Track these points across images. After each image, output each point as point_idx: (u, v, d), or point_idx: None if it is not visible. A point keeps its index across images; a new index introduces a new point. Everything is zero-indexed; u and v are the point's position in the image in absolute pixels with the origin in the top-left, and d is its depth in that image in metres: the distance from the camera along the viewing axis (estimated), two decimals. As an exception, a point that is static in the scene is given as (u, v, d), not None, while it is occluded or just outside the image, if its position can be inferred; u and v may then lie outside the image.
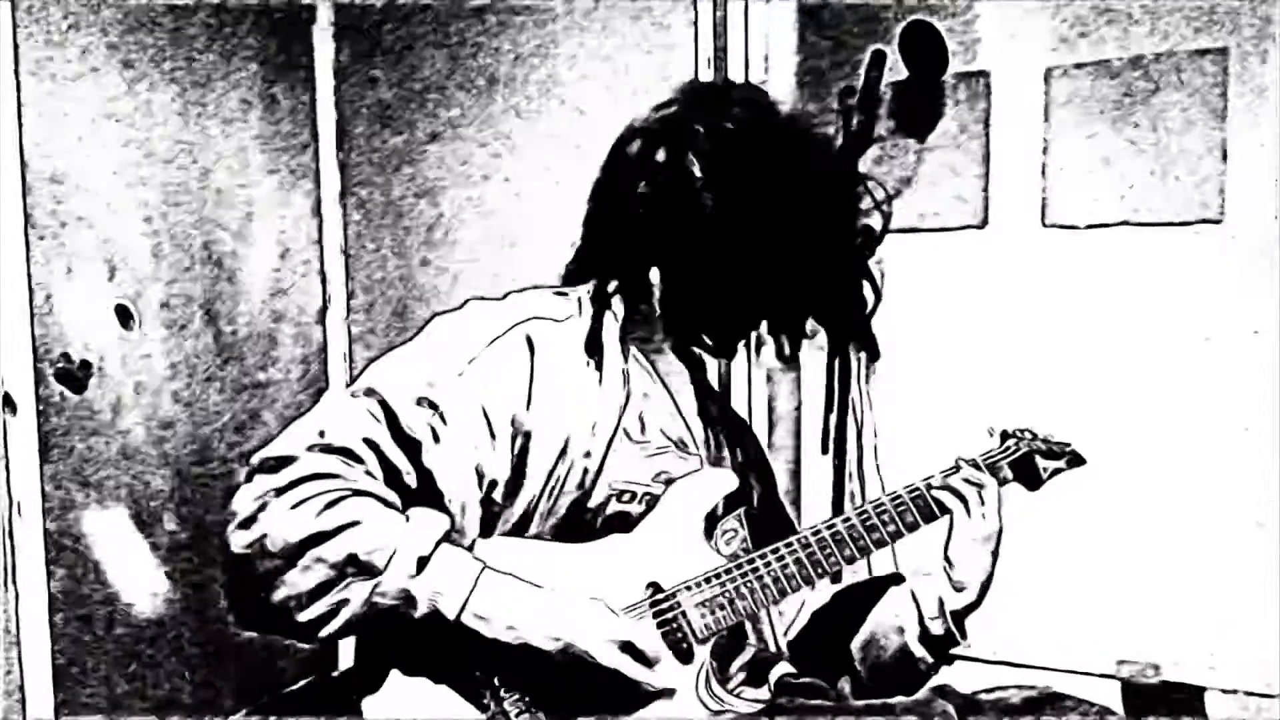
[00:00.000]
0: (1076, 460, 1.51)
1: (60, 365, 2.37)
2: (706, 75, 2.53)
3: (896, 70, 2.43)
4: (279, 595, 1.20)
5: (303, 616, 1.20)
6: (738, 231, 1.38)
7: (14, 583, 2.27)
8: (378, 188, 3.00)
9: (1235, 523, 2.41)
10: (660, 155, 1.40)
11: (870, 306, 2.28)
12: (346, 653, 1.29)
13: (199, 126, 2.67)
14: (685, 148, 1.39)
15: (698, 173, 1.38)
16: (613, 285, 1.44)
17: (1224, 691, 2.44)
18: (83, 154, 2.42)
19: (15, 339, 2.27)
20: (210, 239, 2.70)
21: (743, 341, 1.54)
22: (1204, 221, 2.43)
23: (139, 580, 2.54)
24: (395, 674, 1.28)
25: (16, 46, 2.26)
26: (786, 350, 1.50)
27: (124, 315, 2.50)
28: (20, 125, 2.27)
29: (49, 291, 2.35)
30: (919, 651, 1.48)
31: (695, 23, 2.57)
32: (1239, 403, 2.41)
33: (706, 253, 1.39)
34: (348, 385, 1.36)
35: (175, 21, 2.61)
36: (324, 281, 3.02)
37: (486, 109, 2.84)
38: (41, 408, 2.32)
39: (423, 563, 1.21)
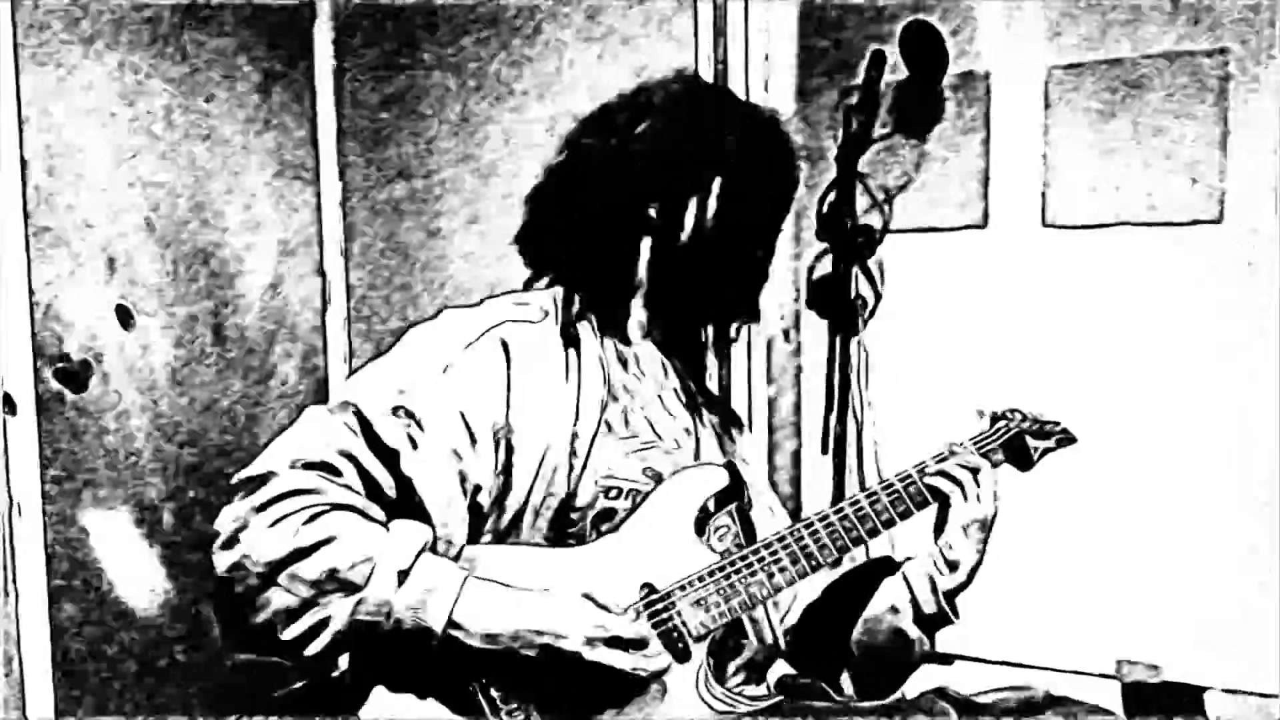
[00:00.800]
0: (1067, 439, 1.51)
1: (60, 365, 2.37)
2: (707, 75, 2.52)
3: (897, 70, 2.43)
4: (263, 614, 1.20)
5: (286, 635, 1.20)
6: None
7: (14, 583, 2.27)
8: (378, 187, 3.00)
9: (1236, 522, 2.41)
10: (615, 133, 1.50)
11: (870, 306, 2.28)
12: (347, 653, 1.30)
13: (199, 126, 2.67)
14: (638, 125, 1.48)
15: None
16: (576, 279, 1.47)
17: (1224, 691, 2.44)
18: (83, 154, 2.42)
19: (15, 339, 2.27)
20: (210, 239, 2.70)
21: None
22: (1204, 221, 2.43)
23: (139, 580, 2.54)
24: (381, 689, 1.27)
25: (16, 46, 2.26)
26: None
27: (124, 315, 2.50)
28: (20, 125, 2.27)
29: (49, 291, 2.35)
30: (914, 633, 1.48)
31: (695, 23, 2.57)
32: (1239, 402, 2.41)
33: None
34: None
35: (175, 21, 2.60)
36: (324, 281, 3.02)
37: (486, 109, 2.84)
38: (41, 408, 2.32)
39: (403, 576, 1.21)
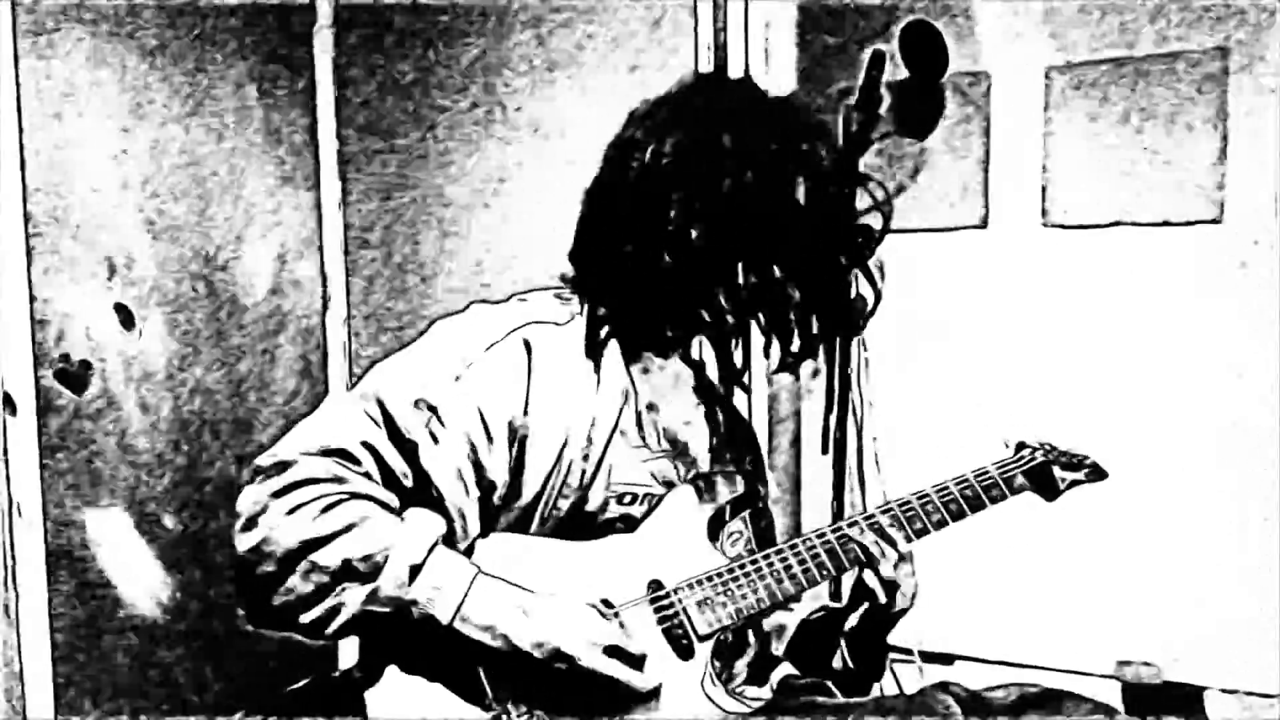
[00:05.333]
0: (1098, 474, 1.51)
1: (60, 365, 2.37)
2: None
3: (897, 70, 2.44)
4: (280, 598, 1.21)
5: (304, 618, 1.22)
6: (721, 227, 1.35)
7: (14, 583, 2.27)
8: (378, 187, 3.00)
9: (1235, 523, 2.42)
10: (643, 148, 1.38)
11: (870, 306, 2.27)
12: (347, 652, 1.30)
13: (199, 126, 2.67)
14: (667, 137, 1.37)
15: (671, 161, 1.36)
16: (605, 299, 1.42)
17: (1224, 691, 2.44)
18: (83, 154, 2.42)
19: (15, 339, 2.27)
20: (210, 239, 2.70)
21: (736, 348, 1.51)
22: (1204, 222, 2.43)
23: (139, 580, 2.54)
24: (394, 669, 1.28)
25: (16, 47, 2.26)
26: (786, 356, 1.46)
27: (124, 315, 2.50)
28: (20, 125, 2.27)
29: (49, 291, 2.35)
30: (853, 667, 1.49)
31: (695, 23, 2.57)
32: (1239, 402, 2.41)
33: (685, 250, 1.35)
34: (350, 387, 1.37)
35: (175, 21, 2.60)
36: (324, 281, 3.02)
37: (487, 108, 2.84)
38: (41, 408, 2.32)
39: (415, 570, 1.22)
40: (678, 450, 1.46)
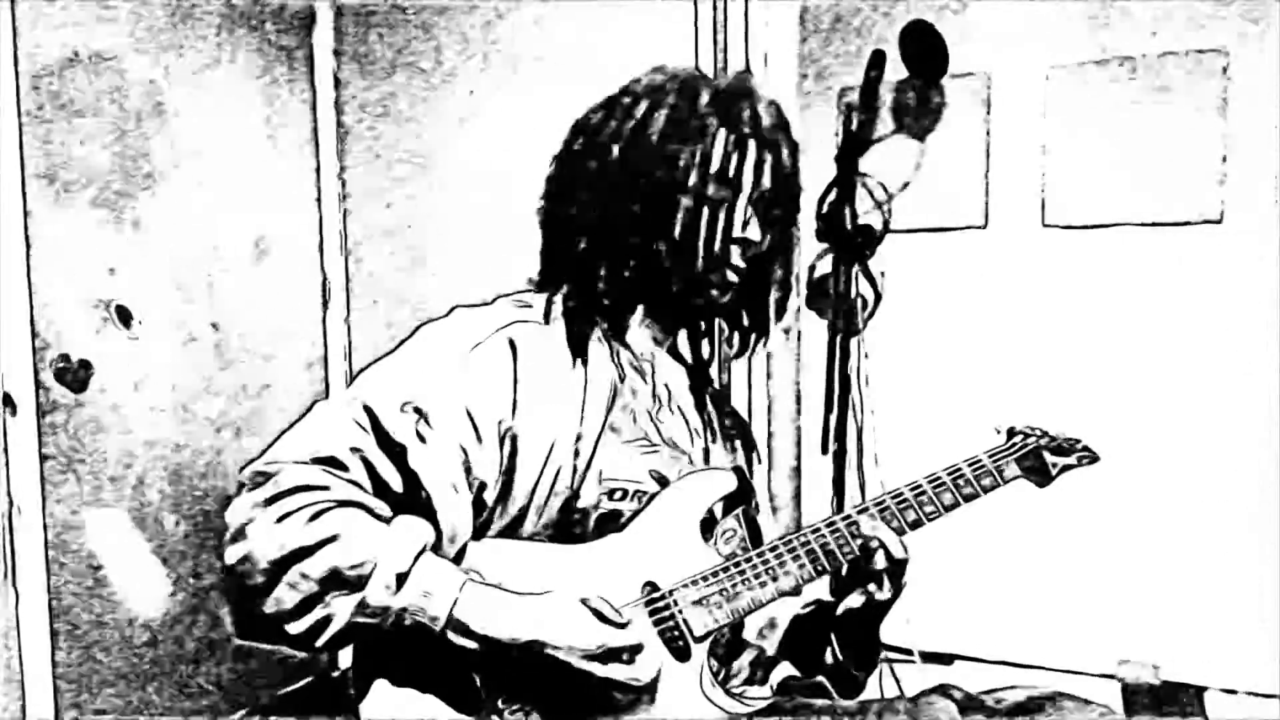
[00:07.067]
0: (1089, 457, 1.49)
1: (60, 365, 2.37)
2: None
3: (897, 70, 2.44)
4: (269, 609, 1.20)
5: (292, 629, 1.21)
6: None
7: (14, 583, 2.27)
8: (378, 187, 3.00)
9: (1235, 523, 2.42)
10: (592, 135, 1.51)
11: (870, 306, 2.27)
12: (347, 653, 1.30)
13: (198, 125, 2.67)
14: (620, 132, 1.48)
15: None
16: (575, 288, 1.45)
17: (1224, 691, 2.44)
18: (82, 154, 2.42)
19: (15, 339, 2.27)
20: (210, 239, 2.70)
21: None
22: (1204, 221, 2.43)
23: (139, 580, 2.54)
24: (383, 683, 1.28)
25: (16, 46, 2.26)
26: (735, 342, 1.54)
27: (124, 315, 2.50)
28: (20, 124, 2.27)
29: (49, 291, 2.35)
30: (844, 661, 1.49)
31: (695, 23, 2.57)
32: (1238, 403, 2.41)
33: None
34: (349, 386, 1.36)
35: (175, 21, 2.61)
36: (324, 281, 3.02)
37: (487, 108, 2.84)
38: (41, 408, 2.32)
39: (402, 578, 1.21)
40: (670, 445, 1.45)
